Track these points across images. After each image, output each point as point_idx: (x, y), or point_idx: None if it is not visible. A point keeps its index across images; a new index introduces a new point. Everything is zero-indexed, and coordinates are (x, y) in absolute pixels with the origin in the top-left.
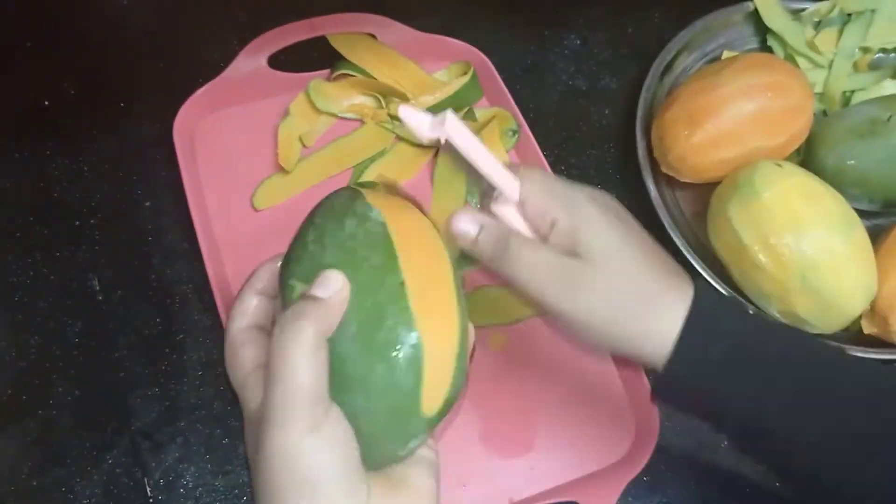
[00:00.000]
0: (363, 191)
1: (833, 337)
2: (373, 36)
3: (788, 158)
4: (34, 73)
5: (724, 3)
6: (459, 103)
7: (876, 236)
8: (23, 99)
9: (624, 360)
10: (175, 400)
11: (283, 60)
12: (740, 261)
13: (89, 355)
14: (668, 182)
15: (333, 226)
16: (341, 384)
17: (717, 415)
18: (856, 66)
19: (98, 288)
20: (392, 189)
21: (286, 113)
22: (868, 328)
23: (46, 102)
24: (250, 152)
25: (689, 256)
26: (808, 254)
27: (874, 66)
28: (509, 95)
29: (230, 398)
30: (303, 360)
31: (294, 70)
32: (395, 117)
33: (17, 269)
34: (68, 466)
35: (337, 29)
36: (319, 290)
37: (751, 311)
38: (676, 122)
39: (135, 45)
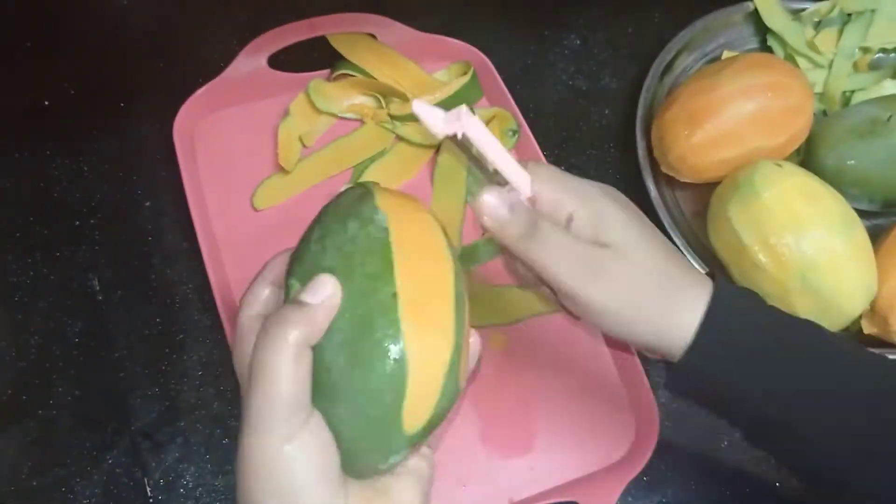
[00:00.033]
0: (375, 191)
1: None
2: (373, 36)
3: (788, 158)
4: (34, 73)
5: (723, 3)
6: (459, 103)
7: (876, 236)
8: (23, 99)
9: (623, 360)
10: (175, 400)
11: (283, 60)
12: (740, 261)
13: (89, 355)
14: (668, 182)
15: (336, 227)
16: (324, 392)
17: (731, 407)
18: (856, 66)
19: (98, 288)
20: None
21: (286, 113)
22: (868, 328)
23: (46, 102)
24: (250, 152)
25: (689, 256)
26: (808, 254)
27: (874, 66)
28: (509, 95)
29: (230, 398)
30: (284, 367)
31: (294, 70)
32: (395, 117)
33: (17, 269)
34: (68, 466)
35: (337, 29)
36: (308, 296)
37: (769, 304)
38: (676, 122)
39: (135, 45)
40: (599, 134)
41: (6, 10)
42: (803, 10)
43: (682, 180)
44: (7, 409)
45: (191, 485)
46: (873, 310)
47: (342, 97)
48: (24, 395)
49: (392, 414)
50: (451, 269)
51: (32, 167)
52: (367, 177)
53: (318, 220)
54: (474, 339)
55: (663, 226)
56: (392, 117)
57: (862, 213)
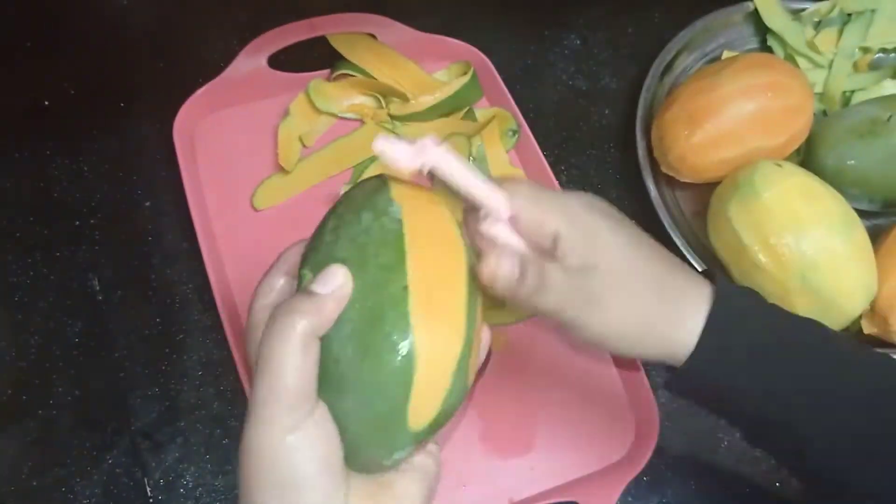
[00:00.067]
0: (390, 182)
1: None
2: (373, 36)
3: (788, 158)
4: (34, 73)
5: (723, 3)
6: (459, 103)
7: (876, 236)
8: (23, 99)
9: (624, 361)
10: (175, 400)
11: (283, 60)
12: (740, 261)
13: (89, 355)
14: (668, 182)
15: (351, 217)
16: (331, 384)
17: (732, 407)
18: (856, 66)
19: (98, 288)
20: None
21: (286, 113)
22: (868, 328)
23: (46, 102)
24: (250, 152)
25: (689, 256)
26: (808, 254)
27: (874, 66)
28: (509, 95)
29: (230, 398)
30: (291, 357)
31: (294, 70)
32: (395, 117)
33: (17, 269)
34: (68, 466)
35: (337, 29)
36: (319, 286)
37: (770, 303)
38: (676, 122)
39: (135, 45)
40: (599, 134)
41: (6, 10)
42: (803, 10)
43: (682, 180)
44: (7, 409)
45: (191, 485)
46: (873, 310)
47: (342, 97)
48: (24, 395)
49: (398, 410)
50: (464, 262)
51: (32, 167)
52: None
53: (333, 211)
54: (485, 335)
55: (663, 226)
56: (392, 117)
57: (862, 213)
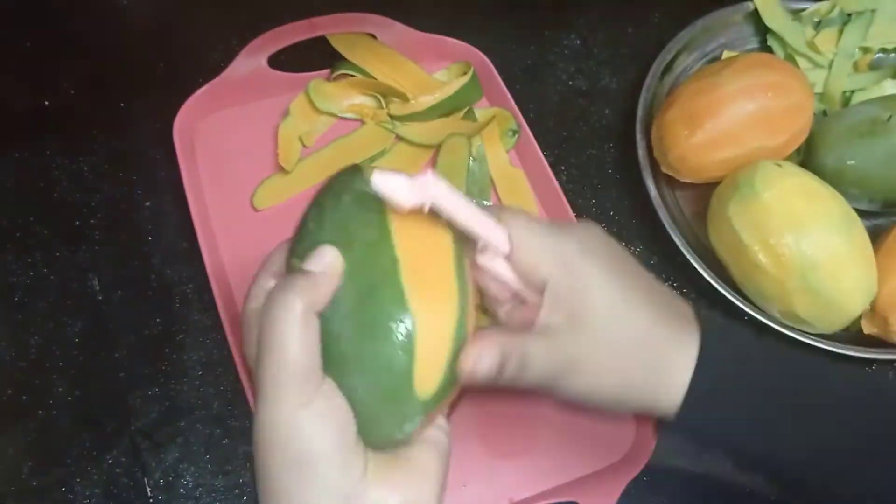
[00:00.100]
0: (365, 167)
1: (833, 337)
2: (373, 36)
3: (788, 158)
4: (34, 73)
5: (724, 3)
6: (459, 103)
7: (876, 236)
8: (23, 99)
9: None
10: (175, 400)
11: (283, 60)
12: (740, 261)
13: (89, 355)
14: (668, 182)
15: (332, 203)
16: (335, 363)
17: (725, 450)
18: (856, 66)
19: (98, 288)
20: None
21: (286, 113)
22: (868, 328)
23: (46, 102)
24: (250, 152)
25: (689, 256)
26: (808, 254)
27: (874, 66)
28: (509, 95)
29: (230, 398)
30: (292, 333)
31: (294, 70)
32: (395, 117)
33: (17, 269)
34: (68, 466)
35: (337, 29)
36: (310, 265)
37: (756, 339)
38: (676, 121)
39: (135, 45)
40: (599, 134)
41: (6, 10)
42: (803, 10)
43: (683, 180)
44: (7, 409)
45: (191, 485)
46: (873, 309)
47: (342, 97)
48: (24, 395)
49: (404, 378)
50: (448, 233)
51: (32, 167)
52: None
53: (312, 203)
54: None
55: (663, 226)
56: (392, 117)
57: (862, 213)
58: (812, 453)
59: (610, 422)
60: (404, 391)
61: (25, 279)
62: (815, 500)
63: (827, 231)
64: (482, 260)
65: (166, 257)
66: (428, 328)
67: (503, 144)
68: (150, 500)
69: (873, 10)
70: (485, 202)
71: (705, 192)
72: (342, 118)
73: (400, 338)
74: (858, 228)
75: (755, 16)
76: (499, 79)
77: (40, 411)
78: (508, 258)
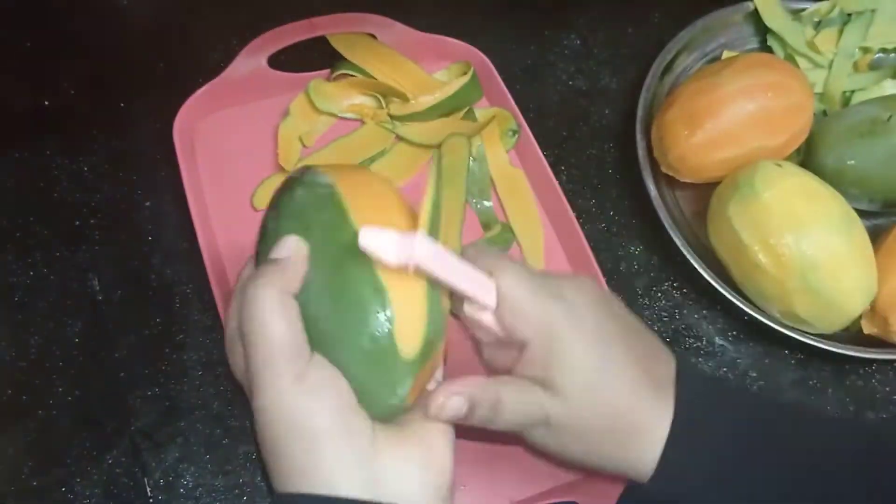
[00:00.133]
0: (312, 165)
1: (833, 337)
2: (373, 36)
3: (788, 158)
4: (34, 73)
5: (724, 2)
6: (459, 103)
7: (876, 236)
8: (23, 99)
9: None
10: (175, 400)
11: (283, 60)
12: (740, 261)
13: (89, 355)
14: (668, 182)
15: (285, 199)
16: (320, 343)
17: None
18: (856, 66)
19: (98, 288)
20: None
21: (286, 113)
22: (868, 328)
23: (46, 102)
24: (250, 152)
25: (689, 256)
26: (808, 254)
27: (874, 66)
28: (509, 95)
29: (230, 398)
30: (272, 315)
31: (294, 70)
32: (395, 117)
33: (16, 269)
34: (68, 466)
35: (337, 29)
36: (275, 254)
37: (735, 394)
38: (676, 121)
39: (135, 45)
40: (599, 134)
41: (6, 10)
42: (803, 9)
43: (683, 180)
44: (7, 409)
45: (191, 485)
46: (873, 310)
47: (342, 97)
48: (24, 395)
49: (386, 341)
50: (402, 206)
51: (32, 167)
52: None
53: (269, 207)
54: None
55: (663, 226)
56: (392, 117)
57: (862, 213)
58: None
59: None
60: (390, 354)
61: (25, 279)
62: None
63: (827, 231)
64: (468, 311)
65: (166, 257)
66: (399, 289)
67: (503, 144)
68: (150, 500)
69: (873, 10)
70: (485, 202)
71: (705, 192)
72: (342, 118)
73: (372, 301)
74: (858, 228)
75: (755, 16)
76: (499, 79)
77: (40, 411)
78: (494, 312)
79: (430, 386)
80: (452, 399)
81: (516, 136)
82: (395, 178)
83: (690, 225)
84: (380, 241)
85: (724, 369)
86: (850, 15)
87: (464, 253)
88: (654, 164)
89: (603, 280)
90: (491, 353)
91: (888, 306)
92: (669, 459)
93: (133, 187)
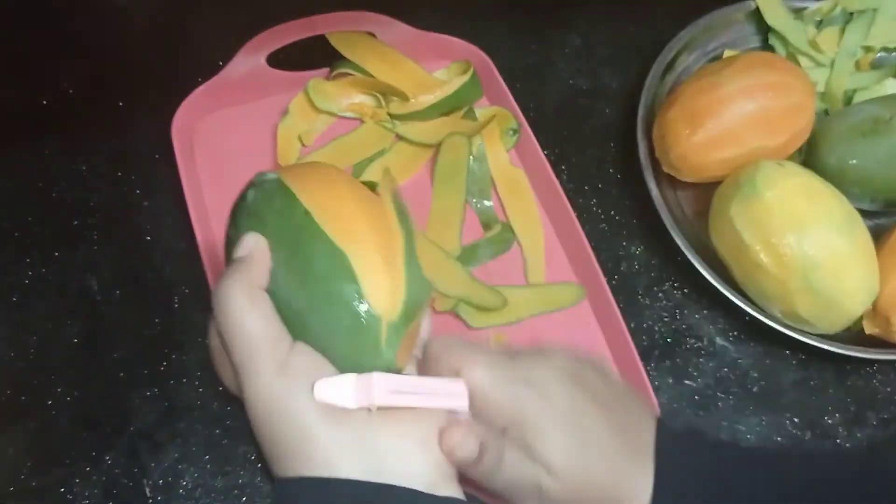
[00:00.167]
0: (262, 173)
1: (835, 337)
2: (372, 34)
3: (790, 158)
4: (33, 73)
5: (725, 1)
6: (459, 102)
7: (878, 236)
8: (22, 99)
9: (624, 360)
10: (175, 400)
11: (283, 59)
12: (742, 261)
13: (89, 355)
14: (669, 181)
15: (239, 204)
16: (297, 326)
17: None
18: (858, 65)
19: (97, 288)
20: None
21: (285, 112)
22: (870, 328)
23: (45, 102)
24: (249, 151)
25: (690, 256)
26: (809, 253)
27: (876, 65)
28: (510, 94)
29: (229, 398)
30: (244, 309)
31: (293, 69)
32: (395, 116)
33: (15, 269)
34: (68, 466)
35: (336, 27)
36: (237, 254)
37: (715, 460)
38: (678, 121)
39: (134, 45)
40: (600, 133)
41: (6, 10)
42: (805, 8)
43: (684, 180)
44: (6, 410)
45: (190, 485)
46: (875, 309)
47: (341, 96)
48: (24, 395)
49: (359, 307)
50: (352, 183)
51: (31, 167)
52: (367, 176)
53: (227, 222)
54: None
55: (664, 226)
56: (392, 116)
57: (864, 213)
58: None
59: None
60: (367, 318)
61: (24, 279)
62: None
63: (829, 231)
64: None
65: (165, 257)
66: (362, 252)
67: (503, 143)
68: (150, 501)
69: (875, 9)
70: (485, 201)
71: (706, 191)
72: (341, 117)
73: (339, 271)
74: (860, 228)
75: (756, 15)
76: (499, 78)
77: (40, 411)
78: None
79: (418, 345)
80: (469, 439)
81: (516, 135)
82: (395, 177)
83: (692, 225)
84: (336, 389)
85: (725, 369)
86: (851, 14)
87: (428, 349)
88: (656, 164)
89: (604, 280)
90: None
91: (890, 306)
92: None
93: (132, 187)
